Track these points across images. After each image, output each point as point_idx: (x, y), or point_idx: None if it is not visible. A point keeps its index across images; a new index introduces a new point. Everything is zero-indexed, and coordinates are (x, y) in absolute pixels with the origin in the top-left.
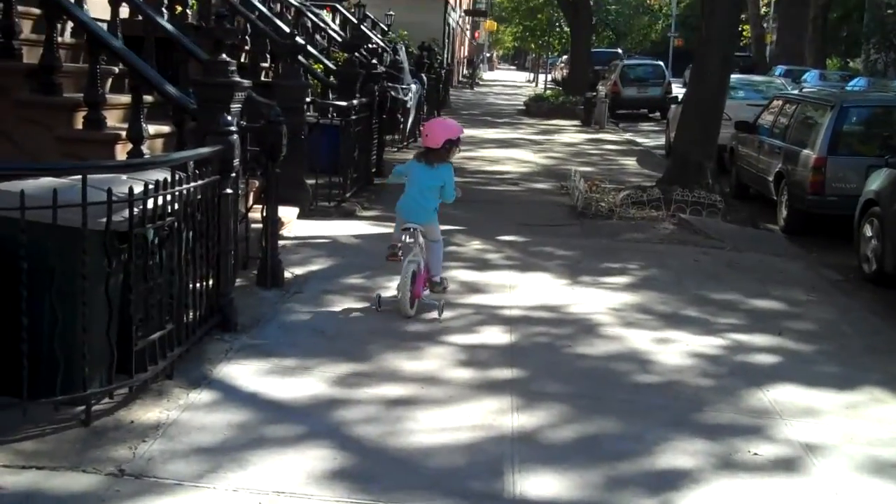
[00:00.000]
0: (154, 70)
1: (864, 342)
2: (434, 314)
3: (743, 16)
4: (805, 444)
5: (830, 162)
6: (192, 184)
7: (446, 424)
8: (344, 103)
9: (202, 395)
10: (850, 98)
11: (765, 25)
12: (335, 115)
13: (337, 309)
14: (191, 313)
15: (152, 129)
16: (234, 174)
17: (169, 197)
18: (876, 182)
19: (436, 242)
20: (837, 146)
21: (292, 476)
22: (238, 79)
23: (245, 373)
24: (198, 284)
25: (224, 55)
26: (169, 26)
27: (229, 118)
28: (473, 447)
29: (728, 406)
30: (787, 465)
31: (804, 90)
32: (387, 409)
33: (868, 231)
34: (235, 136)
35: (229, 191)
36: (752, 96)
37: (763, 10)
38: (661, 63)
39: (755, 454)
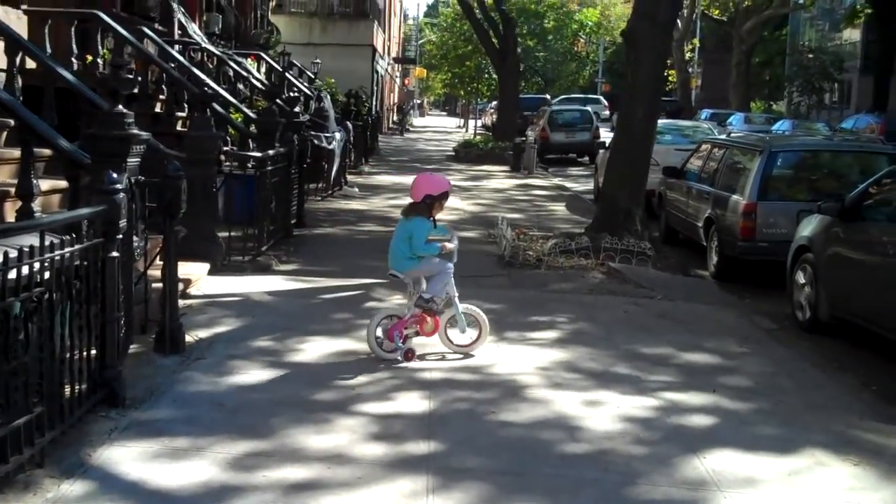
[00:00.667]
0: (50, 122)
1: (804, 398)
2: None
3: (668, 61)
4: None
5: (761, 207)
6: (67, 249)
7: None
8: (258, 154)
9: (75, 487)
10: (779, 143)
11: (690, 70)
12: (251, 165)
13: (242, 377)
14: (68, 391)
15: (48, 184)
16: (120, 235)
17: (37, 265)
18: (808, 228)
19: (438, 274)
20: (767, 191)
21: None
22: (135, 131)
23: (129, 456)
24: (77, 358)
25: (121, 106)
26: (69, 76)
27: (114, 175)
28: None
29: (662, 477)
30: None
31: (732, 135)
32: (286, 495)
33: (801, 278)
34: (121, 195)
35: (115, 254)
36: (679, 141)
37: (688, 55)
38: (589, 108)
39: None
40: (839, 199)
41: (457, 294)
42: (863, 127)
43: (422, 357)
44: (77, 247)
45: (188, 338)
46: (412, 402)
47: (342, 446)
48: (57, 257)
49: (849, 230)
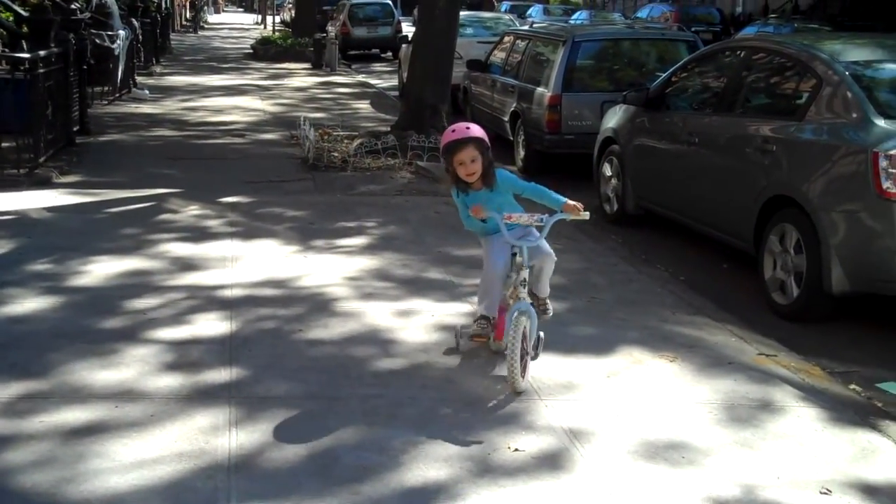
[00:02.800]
0: None
1: (617, 294)
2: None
3: None
4: (569, 430)
5: (565, 99)
6: None
7: (145, 456)
8: (28, 55)
9: None
10: (582, 32)
11: None
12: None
13: (13, 307)
14: None
15: None
16: None
17: None
18: (613, 119)
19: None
20: (572, 82)
21: None
22: None
23: None
24: None
25: None
26: None
27: None
28: (178, 486)
29: (483, 389)
30: (551, 461)
31: (534, 26)
32: (67, 443)
33: (608, 170)
34: None
35: None
36: (481, 33)
37: None
38: (389, 2)
39: (516, 450)
40: (643, 88)
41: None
42: (657, 16)
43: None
44: None
45: None
46: (211, 325)
47: (132, 381)
48: None
49: (654, 120)
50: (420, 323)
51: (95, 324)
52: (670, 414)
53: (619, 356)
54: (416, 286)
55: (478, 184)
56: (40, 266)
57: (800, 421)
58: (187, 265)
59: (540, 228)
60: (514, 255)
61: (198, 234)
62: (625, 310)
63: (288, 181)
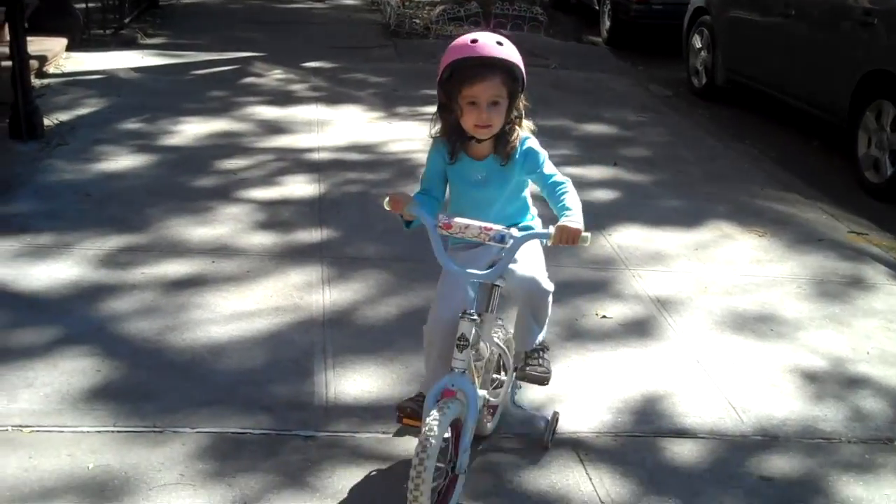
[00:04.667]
0: None
1: (704, 168)
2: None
3: None
4: (657, 300)
5: None
6: None
7: (243, 309)
8: None
9: None
10: None
11: None
12: None
13: (109, 164)
14: None
15: None
16: None
17: None
18: None
19: None
20: None
21: (41, 400)
22: None
23: None
24: None
25: None
26: None
27: None
28: (276, 339)
29: (569, 257)
30: (639, 329)
31: None
32: (168, 294)
33: (698, 42)
34: None
35: None
36: None
37: None
38: None
39: (603, 317)
40: None
41: None
42: None
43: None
44: None
45: (47, 121)
46: (300, 187)
47: (227, 237)
48: None
49: None
50: None
51: (189, 182)
52: (759, 287)
53: (708, 229)
54: None
55: (485, 147)
56: (132, 125)
57: (890, 298)
58: (274, 128)
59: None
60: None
61: (283, 97)
62: (712, 184)
63: (370, 48)
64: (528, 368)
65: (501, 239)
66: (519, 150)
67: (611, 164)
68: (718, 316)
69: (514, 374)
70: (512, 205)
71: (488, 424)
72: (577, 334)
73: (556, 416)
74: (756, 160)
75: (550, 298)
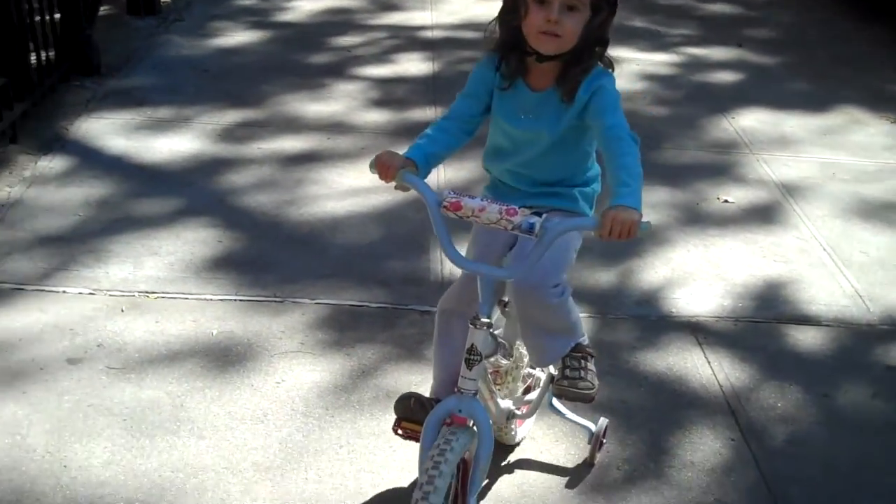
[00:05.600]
0: None
1: (833, 51)
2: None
3: None
4: (781, 185)
5: None
6: None
7: (358, 185)
8: None
9: (54, 163)
10: None
11: None
12: None
13: (226, 39)
14: (34, 59)
15: None
16: None
17: None
18: None
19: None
20: None
21: (165, 268)
22: None
23: (109, 129)
24: (40, 21)
25: None
26: None
27: None
28: (391, 215)
29: (690, 140)
30: (761, 214)
31: None
32: (285, 168)
33: None
34: None
35: None
36: None
37: None
38: None
39: (725, 201)
40: None
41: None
42: None
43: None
44: None
45: None
46: (414, 65)
47: (341, 114)
48: None
49: None
50: (624, 72)
51: (303, 58)
52: (890, 175)
53: (836, 115)
54: (620, 35)
55: (547, 74)
56: (246, 1)
57: None
58: (387, 4)
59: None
60: None
61: None
62: (843, 68)
63: None
64: (565, 382)
65: (530, 228)
66: (587, 85)
67: (735, 44)
68: (846, 203)
69: (551, 385)
70: (568, 156)
71: (516, 434)
72: (697, 218)
73: (604, 425)
74: (889, 44)
75: (566, 302)
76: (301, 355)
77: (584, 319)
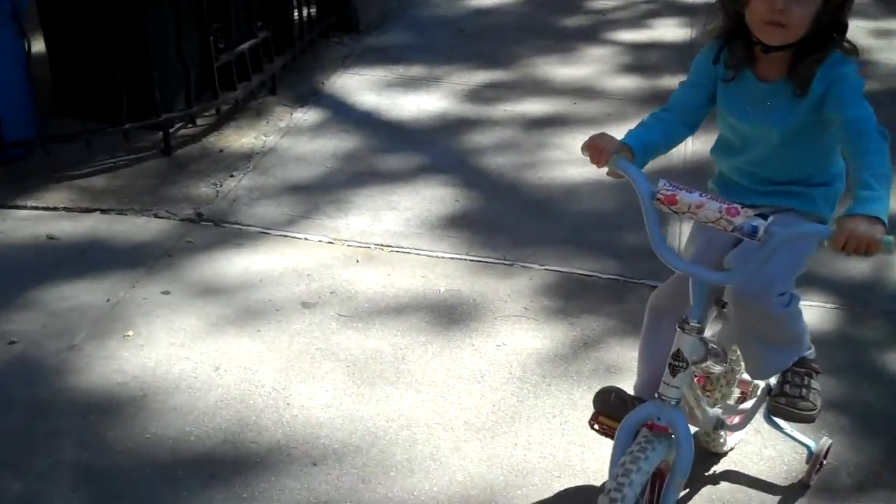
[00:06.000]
0: None
1: None
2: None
3: None
4: None
5: None
6: None
7: None
8: None
9: (308, 115)
10: None
11: None
12: None
13: (480, 0)
14: (296, 14)
15: None
16: None
17: None
18: None
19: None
20: None
21: (401, 223)
22: None
23: (363, 85)
24: None
25: None
26: None
27: None
28: (630, 185)
29: None
30: None
31: None
32: (527, 131)
33: None
34: None
35: None
36: None
37: None
38: None
39: None
40: None
41: None
42: None
43: None
44: None
45: None
46: (670, 31)
47: (590, 78)
48: None
49: None
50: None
51: (557, 21)
52: None
53: None
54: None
55: (777, 64)
56: None
57: None
58: None
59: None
60: None
61: None
62: None
63: None
64: (782, 399)
65: (752, 231)
66: (823, 75)
67: None
68: None
69: (767, 398)
70: (805, 152)
71: (725, 442)
72: None
73: (826, 445)
74: None
75: (792, 312)
76: (524, 320)
77: (828, 311)
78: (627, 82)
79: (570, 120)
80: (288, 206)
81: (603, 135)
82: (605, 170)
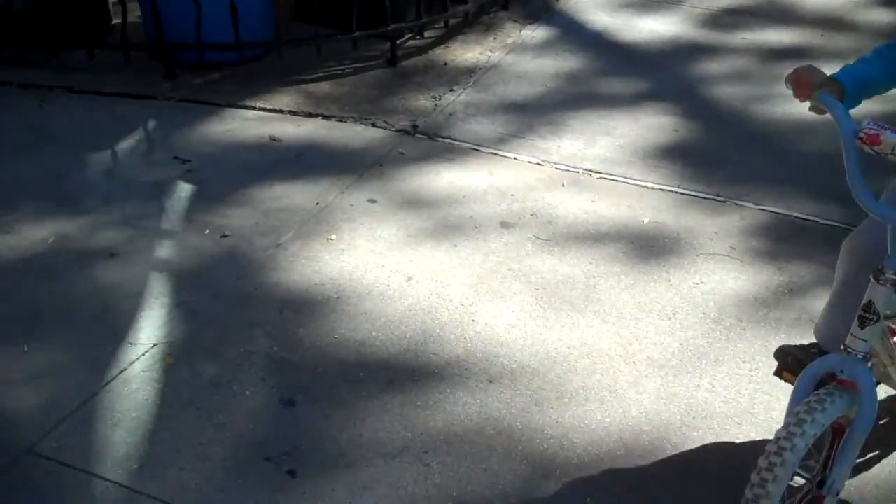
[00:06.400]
0: None
1: None
2: None
3: None
4: None
5: None
6: None
7: None
8: None
9: (536, 33)
10: None
11: None
12: None
13: None
14: None
15: None
16: None
17: None
18: None
19: None
20: None
21: (614, 149)
22: None
23: (597, 4)
24: None
25: None
26: None
27: None
28: None
29: None
30: None
31: None
32: (764, 62)
33: None
34: None
35: None
36: None
37: None
38: None
39: None
40: None
41: None
42: None
43: None
44: None
45: None
46: None
47: (843, 10)
48: None
49: None
50: None
51: None
52: None
53: None
54: None
55: None
56: None
57: None
58: None
59: None
60: None
61: None
62: None
63: None
64: None
65: None
66: None
67: None
68: None
69: None
70: None
71: None
72: None
73: None
74: None
75: None
76: (728, 260)
77: None
78: (882, 16)
79: (813, 53)
80: (501, 124)
81: (810, 67)
82: None
